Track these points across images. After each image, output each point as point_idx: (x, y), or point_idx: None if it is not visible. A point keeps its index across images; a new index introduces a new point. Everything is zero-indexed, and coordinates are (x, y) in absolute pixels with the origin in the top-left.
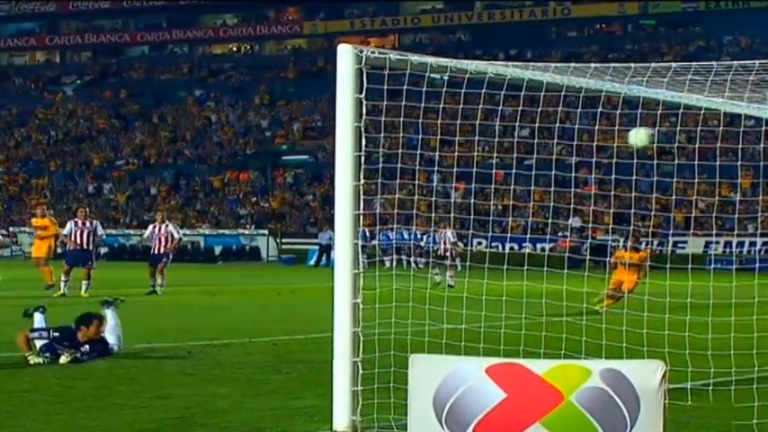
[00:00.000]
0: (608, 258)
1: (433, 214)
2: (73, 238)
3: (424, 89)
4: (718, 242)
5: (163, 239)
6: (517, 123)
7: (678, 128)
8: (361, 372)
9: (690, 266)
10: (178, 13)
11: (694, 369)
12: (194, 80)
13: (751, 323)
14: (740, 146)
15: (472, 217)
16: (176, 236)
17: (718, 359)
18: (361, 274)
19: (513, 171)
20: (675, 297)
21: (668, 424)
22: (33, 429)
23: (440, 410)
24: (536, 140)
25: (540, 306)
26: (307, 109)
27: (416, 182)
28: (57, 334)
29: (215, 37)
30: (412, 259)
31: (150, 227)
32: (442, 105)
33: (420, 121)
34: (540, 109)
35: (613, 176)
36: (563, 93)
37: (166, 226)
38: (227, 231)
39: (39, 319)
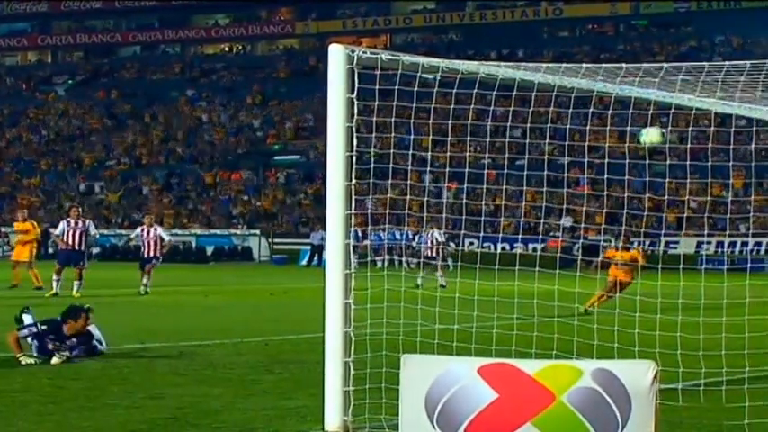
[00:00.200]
0: (599, 258)
1: (425, 214)
2: (65, 237)
3: (416, 89)
4: (709, 242)
5: (152, 243)
6: (509, 123)
7: (670, 128)
8: (352, 372)
9: (681, 267)
10: (170, 14)
11: (686, 369)
12: (186, 80)
13: (742, 323)
14: (732, 146)
15: (464, 217)
16: (166, 239)
17: (709, 359)
18: (353, 275)
19: (505, 171)
20: (667, 297)
21: (660, 424)
22: (25, 430)
23: (431, 410)
24: (528, 140)
25: (531, 306)
26: (299, 109)
27: (408, 182)
28: (44, 327)
29: (207, 37)
30: (403, 259)
31: (138, 229)
32: (433, 105)
33: (412, 121)
34: (531, 109)
35: (605, 176)
36: (555, 93)
37: (155, 230)
38: (218, 231)
39: (28, 319)
